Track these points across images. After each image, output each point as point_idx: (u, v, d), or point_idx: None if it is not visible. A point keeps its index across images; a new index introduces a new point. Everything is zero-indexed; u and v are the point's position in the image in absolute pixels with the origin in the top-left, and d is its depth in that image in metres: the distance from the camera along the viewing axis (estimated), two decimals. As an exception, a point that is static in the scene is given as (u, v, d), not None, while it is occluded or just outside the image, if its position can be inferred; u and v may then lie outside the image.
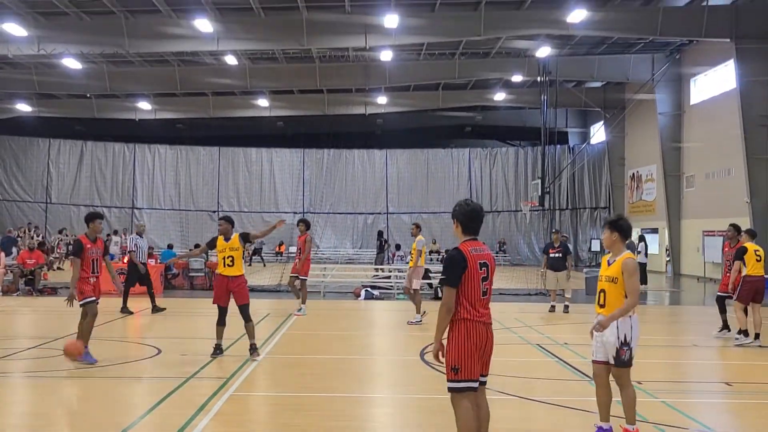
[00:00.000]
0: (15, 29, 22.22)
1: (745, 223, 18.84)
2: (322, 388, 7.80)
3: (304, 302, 14.32)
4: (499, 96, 34.34)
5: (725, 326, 11.88)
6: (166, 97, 34.79)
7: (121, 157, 38.00)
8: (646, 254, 23.49)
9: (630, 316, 5.73)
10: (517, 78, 31.31)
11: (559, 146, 36.19)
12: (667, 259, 30.39)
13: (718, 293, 11.91)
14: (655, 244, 30.83)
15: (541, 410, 7.00)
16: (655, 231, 31.58)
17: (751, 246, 11.22)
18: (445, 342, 4.84)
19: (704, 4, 22.92)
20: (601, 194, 37.18)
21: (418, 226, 13.98)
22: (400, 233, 36.00)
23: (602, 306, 5.85)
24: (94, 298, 8.92)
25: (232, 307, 9.42)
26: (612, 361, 5.76)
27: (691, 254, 28.12)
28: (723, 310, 11.88)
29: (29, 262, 18.39)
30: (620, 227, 5.90)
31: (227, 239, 9.47)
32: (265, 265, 31.88)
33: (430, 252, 33.89)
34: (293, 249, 29.93)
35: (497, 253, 34.39)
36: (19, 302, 16.82)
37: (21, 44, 23.57)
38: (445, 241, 33.88)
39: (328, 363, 9.45)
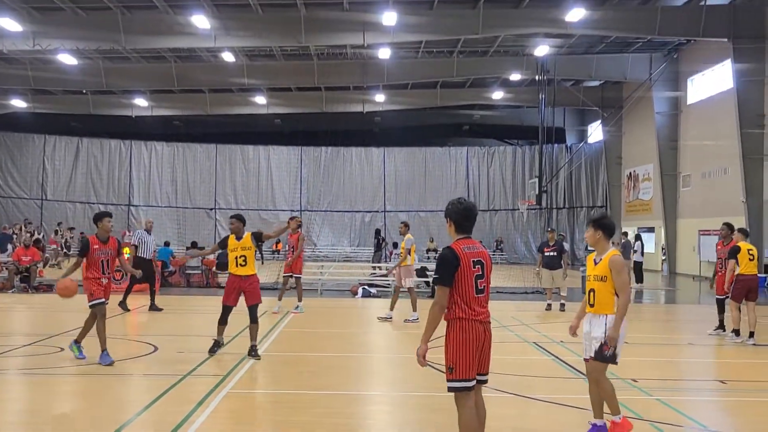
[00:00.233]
0: (10, 24, 22.12)
1: (741, 223, 18.89)
2: (319, 386, 7.79)
3: (300, 299, 14.35)
4: (497, 94, 34.36)
5: (721, 326, 11.97)
6: (162, 93, 34.66)
7: (117, 153, 37.82)
8: (642, 253, 23.58)
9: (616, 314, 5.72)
10: (515, 77, 31.32)
11: (556, 145, 36.17)
12: (663, 257, 30.47)
13: (717, 296, 11.96)
14: (651, 243, 30.87)
15: (537, 408, 7.02)
16: (651, 230, 31.64)
17: (744, 245, 11.26)
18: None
19: (702, 3, 22.97)
20: (598, 193, 37.25)
21: (406, 225, 14.04)
22: (397, 231, 35.78)
23: (592, 305, 5.86)
24: (103, 300, 8.81)
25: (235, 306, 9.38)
26: (592, 354, 5.76)
27: (687, 253, 28.19)
28: (722, 311, 11.95)
29: (25, 259, 18.32)
30: (604, 225, 5.94)
31: (239, 238, 9.27)
32: (263, 263, 31.81)
33: (428, 250, 33.98)
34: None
35: (494, 251, 34.40)
36: (14, 299, 16.77)
37: (16, 39, 23.48)
38: (442, 239, 33.85)
39: (326, 360, 9.45)
